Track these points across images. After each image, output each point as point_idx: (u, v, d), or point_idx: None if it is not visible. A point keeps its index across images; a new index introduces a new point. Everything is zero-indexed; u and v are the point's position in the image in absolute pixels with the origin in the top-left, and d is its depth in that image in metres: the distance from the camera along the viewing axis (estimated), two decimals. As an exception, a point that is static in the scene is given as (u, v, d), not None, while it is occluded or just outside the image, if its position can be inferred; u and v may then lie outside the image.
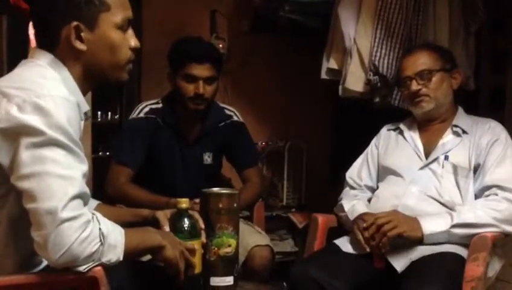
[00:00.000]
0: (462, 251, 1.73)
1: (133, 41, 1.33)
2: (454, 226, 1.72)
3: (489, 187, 1.79)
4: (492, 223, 1.71)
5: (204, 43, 2.23)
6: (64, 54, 1.27)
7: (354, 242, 1.85)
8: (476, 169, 1.84)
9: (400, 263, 1.73)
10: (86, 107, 1.32)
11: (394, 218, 1.74)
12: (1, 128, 1.15)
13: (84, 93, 1.33)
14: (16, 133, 1.15)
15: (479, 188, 1.82)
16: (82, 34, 1.26)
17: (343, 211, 1.96)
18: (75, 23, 1.25)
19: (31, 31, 1.35)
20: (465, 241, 1.72)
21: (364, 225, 1.76)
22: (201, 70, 2.06)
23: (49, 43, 1.27)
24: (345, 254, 1.85)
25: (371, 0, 2.38)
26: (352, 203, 1.95)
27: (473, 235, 1.70)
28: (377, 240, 1.73)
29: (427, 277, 1.61)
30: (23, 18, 2.08)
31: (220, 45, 3.00)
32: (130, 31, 1.34)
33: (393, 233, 1.71)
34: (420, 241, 1.74)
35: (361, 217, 1.83)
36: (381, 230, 1.72)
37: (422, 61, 1.93)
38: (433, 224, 1.74)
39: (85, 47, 1.27)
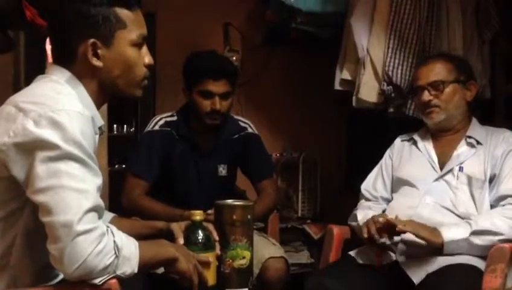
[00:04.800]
0: (479, 263, 1.70)
1: (147, 59, 1.35)
2: (473, 233, 1.70)
3: (504, 197, 1.77)
4: (510, 231, 1.69)
5: (219, 58, 2.23)
6: (81, 70, 1.29)
7: (369, 253, 1.84)
8: (492, 180, 1.82)
9: (417, 275, 1.71)
10: (101, 121, 1.34)
11: (411, 224, 1.71)
12: (17, 143, 1.17)
13: (99, 107, 1.35)
14: (31, 148, 1.16)
15: (494, 198, 1.80)
16: (99, 51, 1.28)
17: (356, 220, 1.94)
18: (92, 40, 1.27)
19: (48, 47, 1.37)
20: (485, 253, 1.69)
21: (381, 219, 1.71)
22: (217, 87, 2.07)
23: (66, 59, 1.30)
24: (360, 266, 1.83)
25: (384, 10, 2.38)
26: (366, 214, 1.93)
27: (492, 245, 1.68)
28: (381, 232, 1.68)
29: (444, 289, 1.59)
30: (40, 34, 2.11)
31: (234, 58, 3.02)
32: (145, 48, 1.36)
33: (407, 231, 1.66)
34: (440, 249, 1.71)
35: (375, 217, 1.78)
36: (397, 229, 1.66)
37: (436, 71, 1.91)
38: (453, 232, 1.71)
39: (101, 64, 1.29)
